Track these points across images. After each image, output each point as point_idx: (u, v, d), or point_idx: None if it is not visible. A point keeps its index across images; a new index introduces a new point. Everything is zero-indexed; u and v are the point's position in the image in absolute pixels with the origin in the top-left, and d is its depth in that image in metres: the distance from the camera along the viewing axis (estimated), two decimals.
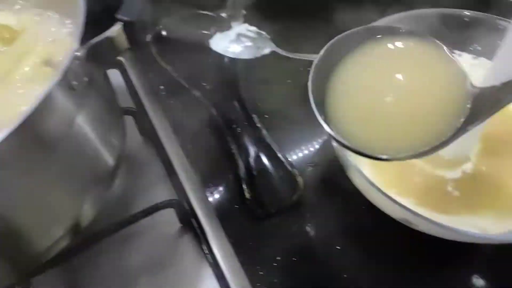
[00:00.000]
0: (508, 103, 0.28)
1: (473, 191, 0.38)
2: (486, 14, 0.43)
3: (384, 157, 0.29)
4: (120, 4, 0.30)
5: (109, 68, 0.39)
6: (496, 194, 0.38)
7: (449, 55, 0.31)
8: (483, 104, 0.29)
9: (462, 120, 0.29)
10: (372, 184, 0.33)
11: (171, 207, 0.40)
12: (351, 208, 0.43)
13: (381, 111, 0.31)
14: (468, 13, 0.43)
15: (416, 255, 0.40)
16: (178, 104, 0.51)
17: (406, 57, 0.33)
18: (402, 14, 0.42)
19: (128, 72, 0.54)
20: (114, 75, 0.54)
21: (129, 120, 0.48)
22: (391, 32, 0.32)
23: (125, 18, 0.29)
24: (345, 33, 0.32)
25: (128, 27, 0.30)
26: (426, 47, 0.32)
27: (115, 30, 0.29)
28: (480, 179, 0.38)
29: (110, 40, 0.29)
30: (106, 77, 0.40)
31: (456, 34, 0.45)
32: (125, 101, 0.51)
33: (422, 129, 0.30)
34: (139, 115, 0.49)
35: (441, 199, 0.38)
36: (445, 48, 0.32)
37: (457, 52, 0.46)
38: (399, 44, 0.32)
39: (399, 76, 0.32)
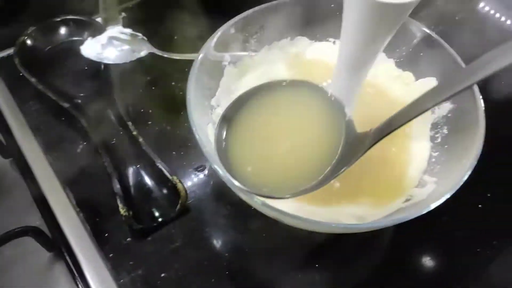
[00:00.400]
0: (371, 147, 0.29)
1: (352, 180, 0.36)
2: None
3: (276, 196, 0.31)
4: None
5: None
6: (372, 181, 0.37)
7: (331, 101, 0.33)
8: (355, 146, 0.31)
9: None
10: (233, 185, 0.30)
11: (26, 235, 0.35)
12: (238, 213, 0.40)
13: (269, 155, 0.33)
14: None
15: (311, 251, 0.39)
16: (48, 120, 0.46)
17: (292, 104, 0.35)
18: (264, 6, 0.40)
19: None
20: None
21: None
22: (275, 85, 0.35)
23: None
24: (242, 93, 0.35)
25: None
26: (311, 94, 0.34)
27: None
28: (358, 168, 0.37)
29: None
30: None
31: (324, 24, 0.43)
32: None
33: (304, 169, 0.32)
34: (4, 138, 0.43)
35: (321, 192, 0.36)
36: (329, 93, 0.33)
37: (330, 39, 0.45)
38: (286, 93, 0.35)
39: (284, 123, 0.34)
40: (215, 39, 0.39)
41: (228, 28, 0.40)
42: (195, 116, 0.34)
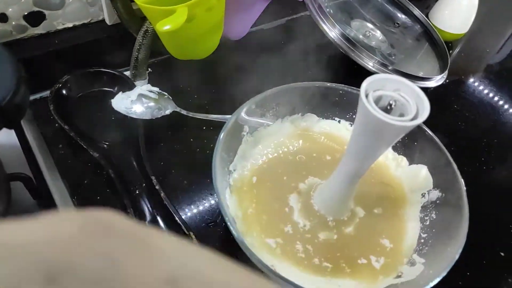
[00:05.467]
0: None
1: (350, 253, 0.39)
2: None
3: None
4: None
5: None
6: (368, 256, 0.39)
7: None
8: None
9: None
10: (255, 258, 0.33)
11: None
12: (248, 268, 0.42)
13: None
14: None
15: None
16: (77, 165, 0.48)
17: None
18: (285, 87, 0.44)
19: (24, 131, 0.49)
20: (9, 135, 0.50)
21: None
22: None
23: None
24: None
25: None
26: None
27: None
28: (356, 242, 0.40)
29: None
30: None
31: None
32: (18, 164, 0.46)
33: None
34: (34, 179, 0.45)
35: (320, 264, 0.39)
36: None
37: (336, 119, 0.49)
38: None
39: None
40: (243, 112, 0.42)
41: (251, 104, 0.43)
42: (219, 183, 0.37)
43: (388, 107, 0.30)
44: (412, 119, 0.28)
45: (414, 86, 0.29)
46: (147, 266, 0.13)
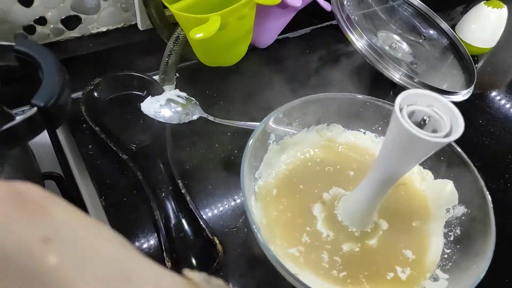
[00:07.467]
0: None
1: (373, 266, 0.39)
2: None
3: None
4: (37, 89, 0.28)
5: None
6: (391, 269, 0.39)
7: None
8: None
9: None
10: (280, 265, 0.33)
11: None
12: (269, 274, 0.42)
13: None
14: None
15: None
16: (105, 165, 0.49)
17: None
18: (312, 97, 0.44)
19: (56, 131, 0.51)
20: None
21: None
22: None
23: (40, 104, 0.27)
24: None
25: (44, 112, 0.28)
26: None
27: (29, 115, 0.27)
28: (378, 255, 0.40)
29: (24, 124, 0.27)
30: (24, 149, 0.37)
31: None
32: (50, 163, 0.48)
33: None
34: (65, 178, 0.46)
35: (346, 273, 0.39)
36: None
37: (361, 130, 0.49)
38: None
39: None
40: (271, 120, 0.42)
41: (279, 113, 0.43)
42: (246, 190, 0.37)
43: (422, 122, 0.30)
44: (446, 136, 0.28)
45: (448, 103, 0.29)
46: (31, 226, 0.16)
